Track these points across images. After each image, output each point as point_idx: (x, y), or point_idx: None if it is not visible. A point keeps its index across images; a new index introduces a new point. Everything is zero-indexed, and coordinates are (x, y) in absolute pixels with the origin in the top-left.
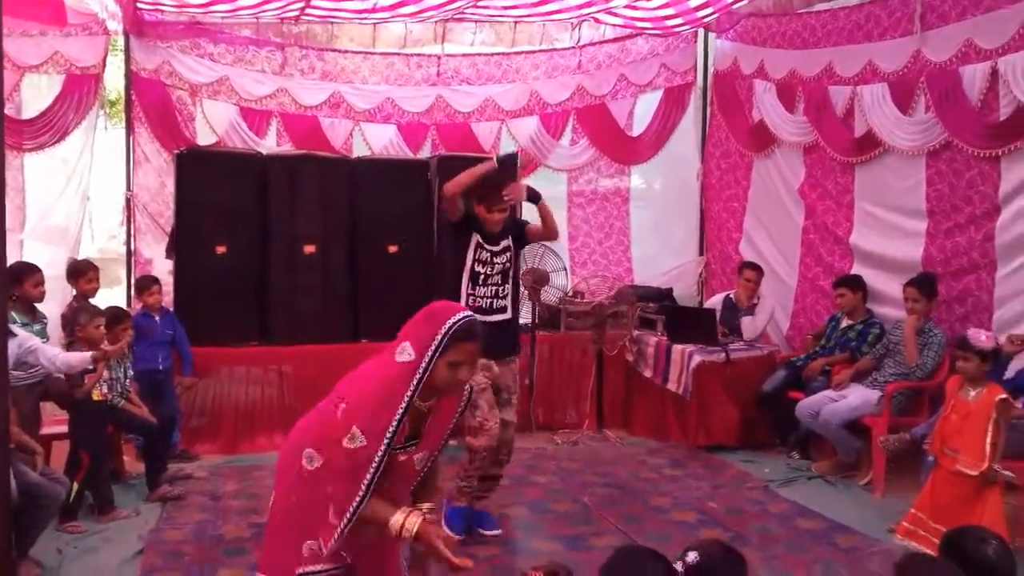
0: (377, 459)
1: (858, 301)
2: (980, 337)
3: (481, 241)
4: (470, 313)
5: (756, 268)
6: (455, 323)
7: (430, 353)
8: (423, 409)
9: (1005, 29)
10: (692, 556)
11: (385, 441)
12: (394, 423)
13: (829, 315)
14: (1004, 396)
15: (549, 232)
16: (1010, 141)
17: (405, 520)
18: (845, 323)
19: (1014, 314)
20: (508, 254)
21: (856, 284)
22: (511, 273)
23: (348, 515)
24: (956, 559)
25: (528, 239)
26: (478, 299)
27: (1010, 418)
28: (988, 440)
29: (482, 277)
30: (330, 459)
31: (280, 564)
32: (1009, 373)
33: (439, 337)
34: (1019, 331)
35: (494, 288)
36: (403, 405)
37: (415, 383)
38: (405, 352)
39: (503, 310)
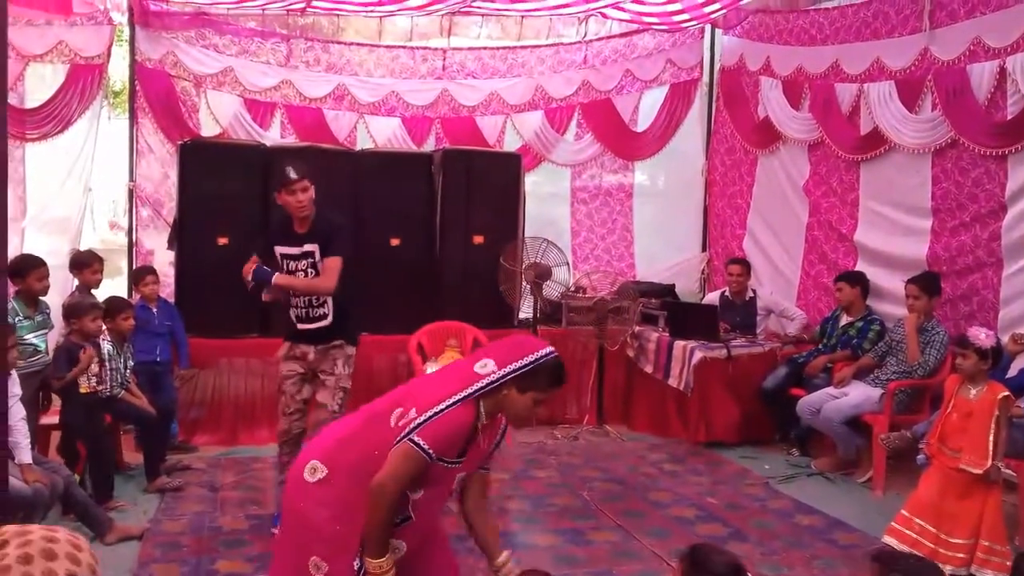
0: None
1: (856, 296)
2: (980, 335)
3: (283, 252)
4: (555, 352)
5: (741, 262)
6: (546, 357)
7: (510, 368)
8: (480, 424)
9: (1014, 27)
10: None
11: (430, 413)
12: (444, 403)
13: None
14: (1006, 394)
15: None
16: (1017, 140)
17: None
18: (845, 320)
19: (1019, 313)
20: (309, 260)
21: (855, 279)
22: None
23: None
24: None
25: None
26: (295, 308)
27: (1011, 416)
28: (991, 438)
29: None
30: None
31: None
32: (1012, 372)
33: (527, 359)
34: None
35: (305, 298)
36: (460, 395)
37: (483, 384)
38: (488, 366)
39: (322, 318)
